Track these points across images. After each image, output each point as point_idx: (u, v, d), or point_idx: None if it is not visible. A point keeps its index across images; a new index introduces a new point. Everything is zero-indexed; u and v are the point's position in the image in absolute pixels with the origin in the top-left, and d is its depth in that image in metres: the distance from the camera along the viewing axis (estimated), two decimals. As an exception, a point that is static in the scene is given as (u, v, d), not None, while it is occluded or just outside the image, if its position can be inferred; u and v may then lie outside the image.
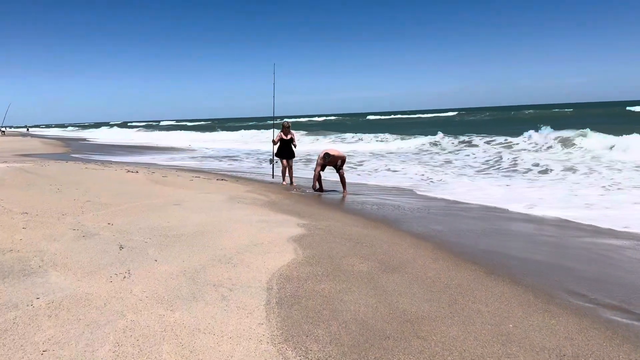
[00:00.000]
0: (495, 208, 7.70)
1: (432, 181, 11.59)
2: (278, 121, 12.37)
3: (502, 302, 3.43)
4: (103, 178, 8.97)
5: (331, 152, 10.15)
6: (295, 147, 11.33)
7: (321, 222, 6.10)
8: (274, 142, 11.50)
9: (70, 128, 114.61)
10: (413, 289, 3.63)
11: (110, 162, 15.23)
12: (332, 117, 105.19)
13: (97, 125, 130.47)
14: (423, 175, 12.79)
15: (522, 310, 3.30)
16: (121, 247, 4.31)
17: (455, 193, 9.48)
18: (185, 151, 25.35)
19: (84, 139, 45.32)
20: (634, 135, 16.04)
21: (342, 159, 10.16)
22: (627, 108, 59.12)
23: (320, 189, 10.43)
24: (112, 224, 5.18)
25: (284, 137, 11.30)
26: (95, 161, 15.91)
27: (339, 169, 10.15)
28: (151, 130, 65.89)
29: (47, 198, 6.55)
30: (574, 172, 12.10)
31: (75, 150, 26.07)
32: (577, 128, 20.26)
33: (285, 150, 11.26)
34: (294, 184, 11.11)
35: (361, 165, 15.81)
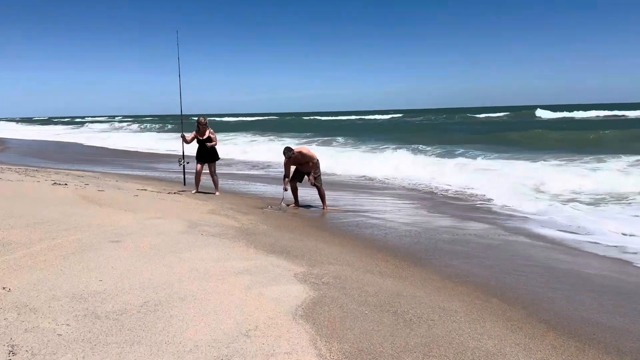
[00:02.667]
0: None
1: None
2: (194, 116, 10.36)
3: None
4: (18, 195, 6.83)
5: (297, 150, 8.46)
6: (213, 146, 9.50)
7: (323, 267, 4.39)
8: (186, 140, 9.61)
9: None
10: None
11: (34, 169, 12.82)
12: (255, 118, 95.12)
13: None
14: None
15: None
16: (12, 354, 2.43)
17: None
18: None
19: None
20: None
21: (312, 162, 8.44)
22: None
23: (296, 204, 8.71)
24: (9, 289, 3.25)
25: (200, 136, 9.53)
26: (13, 168, 13.43)
27: (311, 178, 8.49)
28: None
29: None
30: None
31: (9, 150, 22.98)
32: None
33: (203, 152, 9.53)
34: (218, 192, 9.47)
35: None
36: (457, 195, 10.23)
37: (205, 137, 9.48)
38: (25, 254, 4.02)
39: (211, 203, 8.02)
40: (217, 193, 9.44)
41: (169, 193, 8.84)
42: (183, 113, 10.19)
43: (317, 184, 8.52)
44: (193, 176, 9.57)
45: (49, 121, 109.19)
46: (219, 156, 9.82)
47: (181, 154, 10.17)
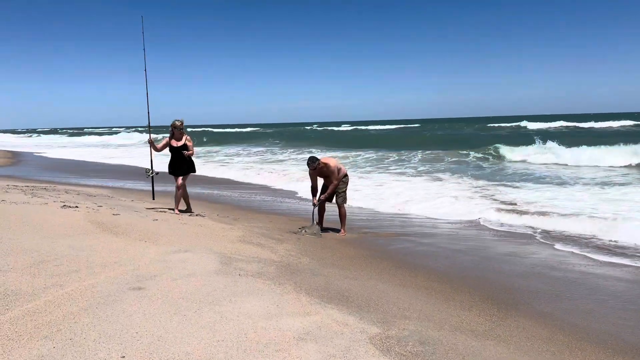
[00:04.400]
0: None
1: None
2: (173, 120, 8.09)
3: None
4: (23, 222, 5.98)
5: (323, 161, 7.58)
6: (190, 155, 8.00)
7: (400, 324, 3.47)
8: (155, 147, 8.11)
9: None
10: None
11: (47, 188, 12.02)
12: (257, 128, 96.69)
13: None
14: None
15: None
16: None
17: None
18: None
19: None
20: None
21: (334, 174, 7.52)
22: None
23: (320, 223, 7.81)
24: (-1, 376, 2.36)
25: (175, 143, 7.99)
26: (22, 187, 12.64)
27: (334, 193, 7.61)
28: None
29: None
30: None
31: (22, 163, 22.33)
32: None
33: (178, 162, 8.02)
34: (177, 211, 8.01)
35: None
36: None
37: (181, 143, 7.96)
38: (24, 312, 3.14)
39: (238, 228, 7.13)
40: (177, 212, 7.96)
41: (190, 215, 7.96)
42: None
43: (339, 201, 7.60)
44: (163, 188, 8.43)
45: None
46: (195, 168, 8.29)
47: (150, 163, 8.56)
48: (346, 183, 7.76)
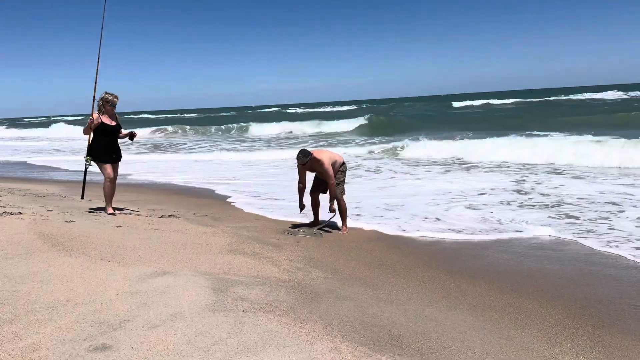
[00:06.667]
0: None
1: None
2: (104, 94, 6.47)
3: None
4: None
5: (317, 156, 6.44)
6: (132, 140, 6.66)
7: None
8: (89, 128, 6.35)
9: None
10: None
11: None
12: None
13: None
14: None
15: None
16: None
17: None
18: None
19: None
20: None
21: (328, 173, 6.36)
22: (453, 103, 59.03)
23: (316, 222, 6.72)
24: None
25: (108, 121, 6.42)
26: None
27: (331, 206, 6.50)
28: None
29: None
30: None
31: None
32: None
33: (112, 147, 6.49)
34: (111, 210, 6.50)
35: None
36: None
37: (115, 124, 6.47)
38: None
39: (223, 231, 5.92)
40: (111, 210, 6.48)
41: (161, 217, 6.68)
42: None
43: (337, 193, 6.47)
44: (90, 180, 6.88)
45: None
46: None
47: (87, 149, 6.53)
48: (344, 172, 6.64)
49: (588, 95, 56.22)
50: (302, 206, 6.49)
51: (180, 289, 3.53)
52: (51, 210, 6.39)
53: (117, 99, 6.47)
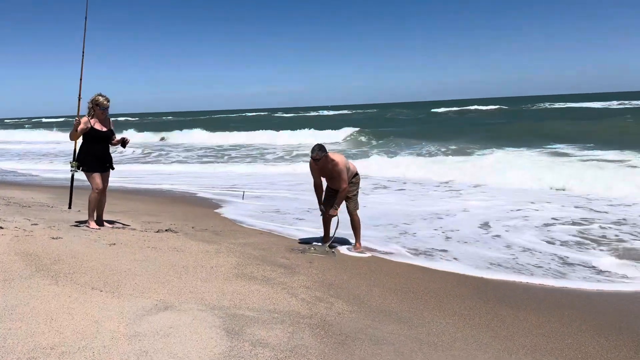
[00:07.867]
0: None
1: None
2: (95, 95, 5.89)
3: None
4: None
5: (332, 157, 5.92)
6: (124, 147, 6.06)
7: None
8: (76, 133, 5.79)
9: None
10: None
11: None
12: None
13: None
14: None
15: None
16: None
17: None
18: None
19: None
20: None
21: (342, 175, 5.82)
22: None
23: (326, 238, 6.20)
24: None
25: (99, 127, 5.87)
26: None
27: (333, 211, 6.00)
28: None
29: None
30: None
31: None
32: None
33: (105, 154, 5.97)
34: (93, 223, 5.91)
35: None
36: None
37: (106, 128, 5.90)
38: None
39: (226, 249, 5.37)
40: (93, 225, 5.90)
41: (157, 231, 6.11)
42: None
43: (350, 207, 5.96)
44: (79, 187, 6.37)
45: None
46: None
47: (74, 153, 5.99)
48: (357, 184, 6.11)
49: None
50: (323, 210, 5.99)
51: (187, 330, 2.98)
52: (36, 224, 5.79)
53: (108, 102, 5.90)
